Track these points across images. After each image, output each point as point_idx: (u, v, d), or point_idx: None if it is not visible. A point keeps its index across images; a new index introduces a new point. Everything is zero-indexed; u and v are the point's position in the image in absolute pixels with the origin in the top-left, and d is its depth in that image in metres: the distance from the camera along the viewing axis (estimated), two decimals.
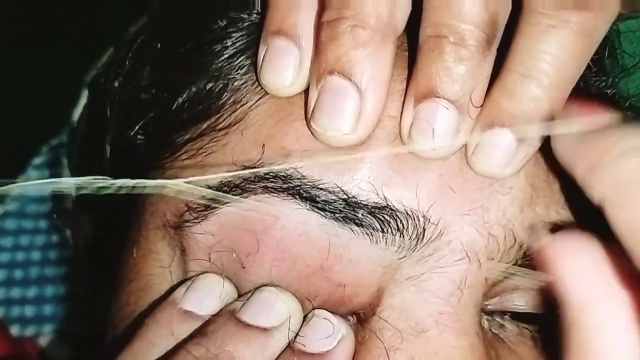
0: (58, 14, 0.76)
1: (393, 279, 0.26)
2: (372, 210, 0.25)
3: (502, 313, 0.28)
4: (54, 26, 0.76)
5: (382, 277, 0.26)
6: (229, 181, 0.26)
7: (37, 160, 0.44)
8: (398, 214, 0.25)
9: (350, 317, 0.27)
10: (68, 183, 0.23)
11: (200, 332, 0.25)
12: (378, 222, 0.25)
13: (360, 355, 0.26)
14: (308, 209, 0.25)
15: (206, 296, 0.26)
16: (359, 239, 0.25)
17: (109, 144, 0.32)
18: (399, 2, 0.24)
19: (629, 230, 0.20)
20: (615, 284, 0.21)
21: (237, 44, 0.28)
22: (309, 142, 0.26)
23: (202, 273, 0.27)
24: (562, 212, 0.27)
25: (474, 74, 0.24)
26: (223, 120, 0.28)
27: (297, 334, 0.26)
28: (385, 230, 0.25)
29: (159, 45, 0.31)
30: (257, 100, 0.27)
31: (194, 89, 0.28)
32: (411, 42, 0.26)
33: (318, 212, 0.25)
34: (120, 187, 0.24)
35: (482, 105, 0.25)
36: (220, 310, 0.26)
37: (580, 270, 0.21)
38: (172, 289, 0.27)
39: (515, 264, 0.27)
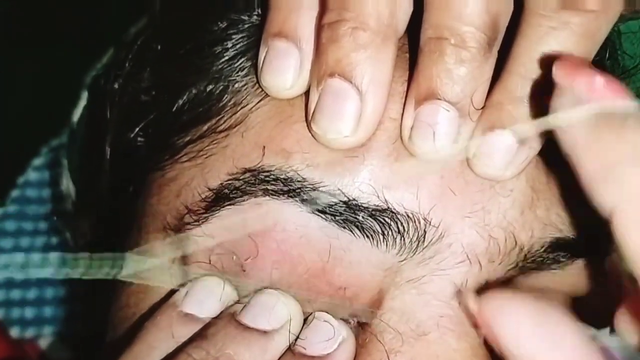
0: (58, 14, 0.76)
1: (394, 282, 0.26)
2: (373, 212, 0.25)
3: None
4: (54, 26, 0.75)
5: (383, 279, 0.26)
6: (230, 183, 0.26)
7: (37, 162, 0.44)
8: (399, 216, 0.25)
9: (350, 320, 0.27)
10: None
11: (201, 335, 0.25)
12: (379, 224, 0.25)
13: (360, 358, 0.26)
14: (308, 212, 0.25)
15: (206, 299, 0.26)
16: (360, 241, 0.25)
17: (109, 145, 0.32)
18: (399, 4, 0.24)
19: (639, 254, 0.18)
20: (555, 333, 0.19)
21: (238, 46, 0.28)
22: (310, 144, 0.26)
23: (203, 276, 0.27)
24: (562, 215, 0.27)
25: (475, 76, 0.24)
26: (223, 122, 0.28)
27: (297, 337, 0.26)
28: (386, 232, 0.25)
29: (159, 47, 0.31)
30: (258, 102, 0.27)
31: (194, 91, 0.28)
32: (412, 43, 0.26)
33: (318, 215, 0.25)
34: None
35: (483, 108, 0.25)
36: (221, 313, 0.26)
37: (518, 327, 0.19)
38: (172, 292, 0.27)
39: (516, 267, 0.26)
